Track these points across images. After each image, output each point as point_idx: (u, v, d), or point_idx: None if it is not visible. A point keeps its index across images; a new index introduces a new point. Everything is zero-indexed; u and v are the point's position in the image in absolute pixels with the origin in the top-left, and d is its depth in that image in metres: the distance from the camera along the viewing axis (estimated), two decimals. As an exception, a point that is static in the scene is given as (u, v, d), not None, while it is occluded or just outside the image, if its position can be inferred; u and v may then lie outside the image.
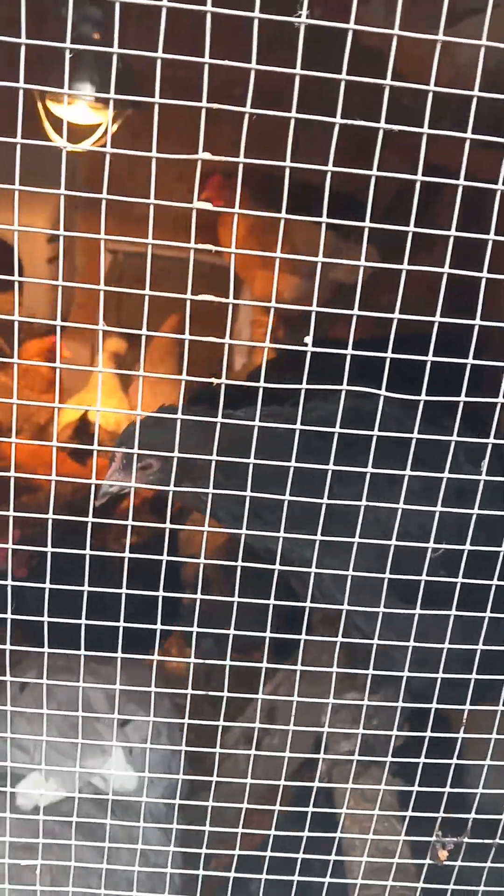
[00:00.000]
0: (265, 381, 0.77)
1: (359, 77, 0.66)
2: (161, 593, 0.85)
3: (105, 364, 4.09)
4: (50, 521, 0.77)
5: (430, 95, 0.65)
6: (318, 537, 0.88)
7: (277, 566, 0.88)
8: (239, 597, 0.86)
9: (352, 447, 0.83)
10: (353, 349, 0.74)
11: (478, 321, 0.73)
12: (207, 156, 0.66)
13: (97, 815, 1.42)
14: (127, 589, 0.84)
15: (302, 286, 3.35)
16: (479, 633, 0.91)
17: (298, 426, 0.77)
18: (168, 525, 0.85)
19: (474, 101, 0.65)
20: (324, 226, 0.69)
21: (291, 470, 0.79)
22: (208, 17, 0.62)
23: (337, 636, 0.93)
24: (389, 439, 0.82)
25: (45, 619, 0.83)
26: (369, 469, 0.81)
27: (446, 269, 0.70)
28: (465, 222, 0.75)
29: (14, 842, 0.99)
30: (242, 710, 2.31)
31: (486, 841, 0.90)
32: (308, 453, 0.83)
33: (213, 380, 0.73)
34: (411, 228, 0.70)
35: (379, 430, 0.79)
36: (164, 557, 0.82)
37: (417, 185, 0.67)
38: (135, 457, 1.28)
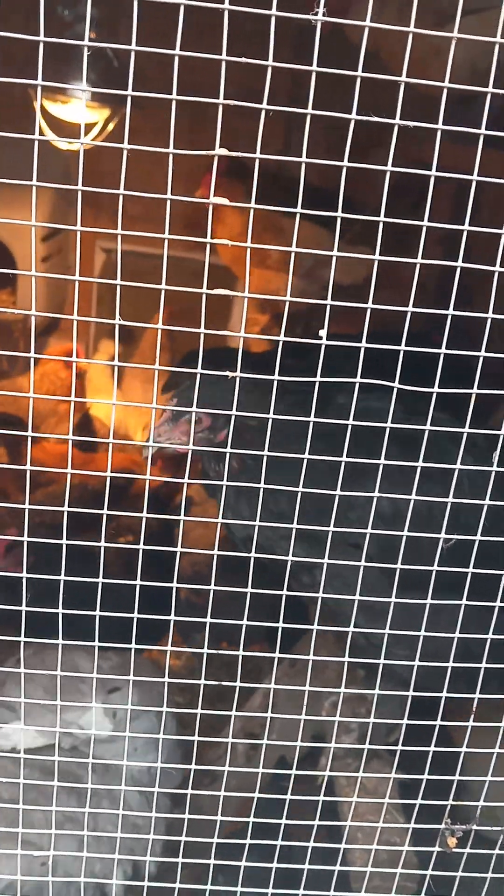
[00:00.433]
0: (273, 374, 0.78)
1: (375, 74, 0.67)
2: (164, 584, 0.86)
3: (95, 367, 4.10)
4: (66, 514, 0.78)
5: (444, 91, 0.66)
6: (302, 529, 0.89)
7: (253, 555, 0.89)
8: (236, 591, 0.87)
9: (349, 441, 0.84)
10: (356, 343, 0.75)
11: (490, 314, 0.74)
12: (224, 151, 0.66)
13: (77, 771, 1.46)
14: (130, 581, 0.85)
15: (299, 285, 3.36)
16: (477, 622, 0.93)
17: (312, 418, 0.78)
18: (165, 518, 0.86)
19: (488, 97, 0.66)
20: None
21: (305, 462, 0.80)
22: (226, 14, 0.63)
23: (333, 633, 0.94)
24: (386, 434, 0.83)
25: (60, 610, 0.84)
26: (380, 462, 0.82)
27: (459, 263, 0.71)
28: (458, 218, 0.76)
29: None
30: (241, 705, 2.33)
31: (495, 828, 0.91)
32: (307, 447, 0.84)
33: (228, 373, 0.73)
34: (423, 223, 0.71)
35: (378, 424, 0.81)
36: (143, 548, 0.83)
37: (431, 181, 0.67)
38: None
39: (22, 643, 0.84)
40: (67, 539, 0.81)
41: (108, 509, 0.82)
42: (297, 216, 0.68)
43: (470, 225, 0.76)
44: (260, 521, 0.99)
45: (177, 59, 0.65)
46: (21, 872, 0.99)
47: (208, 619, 0.83)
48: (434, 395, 0.74)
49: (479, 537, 0.84)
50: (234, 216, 3.23)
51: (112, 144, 0.69)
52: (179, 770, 1.55)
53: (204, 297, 0.71)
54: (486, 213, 0.83)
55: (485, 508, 0.83)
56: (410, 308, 0.72)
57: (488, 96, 0.66)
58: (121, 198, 0.68)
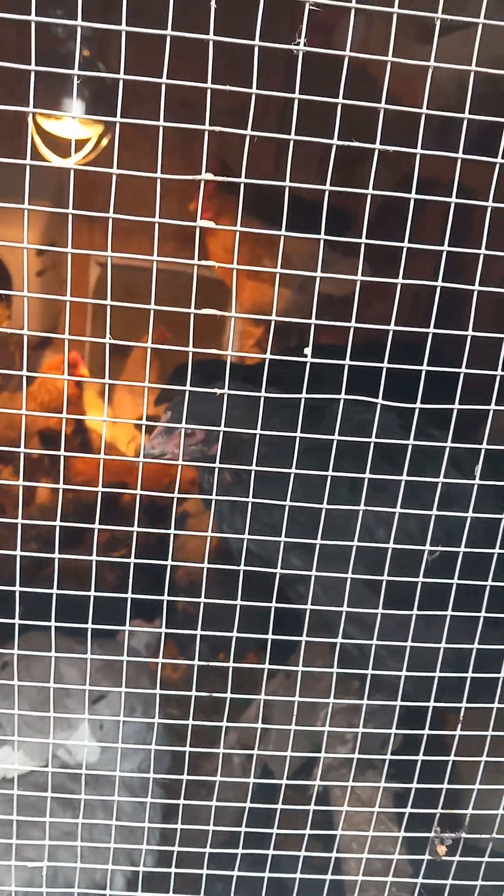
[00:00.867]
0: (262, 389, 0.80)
1: (352, 101, 0.70)
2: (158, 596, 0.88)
3: (90, 376, 4.14)
4: (58, 528, 0.80)
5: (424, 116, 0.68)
6: (293, 541, 0.90)
7: (243, 567, 0.90)
8: (228, 601, 0.89)
9: (339, 456, 0.85)
10: (342, 358, 0.77)
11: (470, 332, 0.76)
12: (210, 176, 0.68)
13: (69, 784, 1.46)
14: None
15: (292, 298, 3.39)
16: (468, 633, 0.94)
17: (298, 433, 0.79)
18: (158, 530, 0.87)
19: (465, 122, 0.68)
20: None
21: (292, 477, 0.82)
22: (210, 44, 0.65)
23: (329, 644, 0.95)
24: (374, 449, 0.85)
25: (53, 623, 0.85)
26: (365, 475, 0.83)
27: (439, 283, 0.73)
28: (451, 235, 0.78)
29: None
30: (237, 717, 2.33)
31: (483, 836, 0.93)
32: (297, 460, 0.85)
33: (217, 390, 0.75)
34: (404, 244, 0.73)
35: (366, 438, 0.82)
36: (132, 560, 0.84)
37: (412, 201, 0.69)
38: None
39: (15, 656, 0.85)
40: (62, 553, 0.83)
41: (105, 520, 0.83)
42: (282, 238, 0.70)
43: (466, 239, 0.78)
44: (255, 533, 1.00)
45: (164, 87, 0.67)
46: (17, 884, 1.00)
47: (199, 632, 0.85)
48: (416, 411, 0.76)
49: (463, 549, 0.85)
50: (226, 231, 3.26)
51: (100, 169, 0.71)
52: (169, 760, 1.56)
53: (192, 316, 0.73)
54: (481, 227, 0.85)
55: (468, 520, 0.85)
56: (392, 326, 0.74)
57: (465, 121, 0.68)
58: (110, 221, 0.70)
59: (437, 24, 0.66)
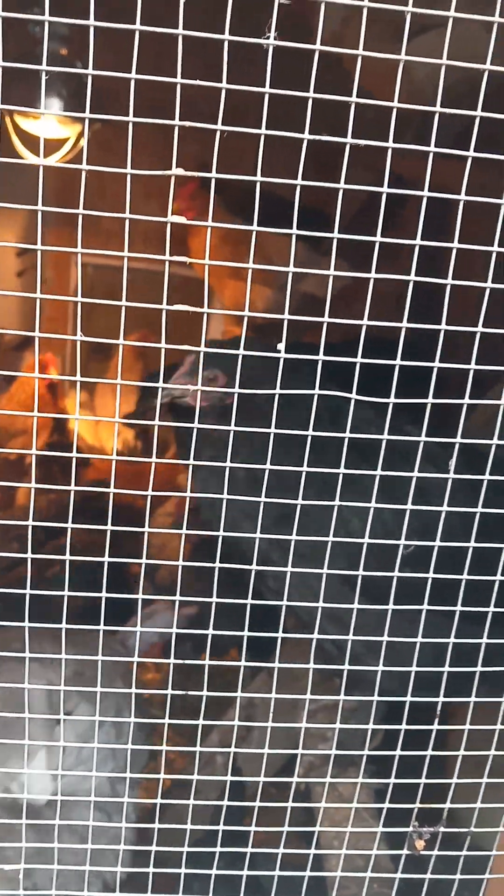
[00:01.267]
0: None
1: (326, 95, 0.70)
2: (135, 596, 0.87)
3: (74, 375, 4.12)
4: (30, 528, 0.79)
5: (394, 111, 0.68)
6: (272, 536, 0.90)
7: (218, 565, 0.90)
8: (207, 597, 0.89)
9: (313, 450, 0.85)
10: (324, 355, 0.77)
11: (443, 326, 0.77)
12: (181, 171, 0.68)
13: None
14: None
15: (273, 297, 3.39)
16: (446, 628, 0.94)
17: (272, 430, 0.79)
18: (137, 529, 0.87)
19: (436, 116, 0.68)
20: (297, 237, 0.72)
21: (266, 472, 0.81)
22: (179, 39, 0.65)
23: (307, 643, 0.95)
24: (350, 443, 0.85)
25: (26, 624, 0.85)
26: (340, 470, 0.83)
27: (412, 277, 0.73)
28: (430, 231, 0.79)
29: None
30: (220, 716, 2.33)
31: (461, 830, 0.93)
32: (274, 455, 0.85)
33: (190, 386, 0.75)
34: (378, 238, 0.73)
35: (343, 433, 0.82)
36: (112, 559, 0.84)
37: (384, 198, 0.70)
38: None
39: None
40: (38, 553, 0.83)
41: (84, 518, 0.83)
42: (254, 233, 0.70)
43: (445, 235, 0.78)
44: (233, 520, 0.99)
45: (133, 82, 0.67)
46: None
47: (174, 630, 0.84)
48: (390, 405, 0.76)
49: (438, 543, 0.85)
50: (212, 228, 3.25)
51: (71, 166, 0.71)
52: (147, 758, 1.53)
53: (164, 312, 0.72)
54: (461, 223, 0.85)
55: (442, 515, 0.85)
56: (365, 321, 0.74)
57: (436, 115, 0.68)
58: (80, 217, 0.70)
59: (408, 17, 0.66)
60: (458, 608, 0.88)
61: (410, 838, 0.93)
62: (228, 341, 1.41)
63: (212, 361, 1.41)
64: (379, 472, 0.81)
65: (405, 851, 0.94)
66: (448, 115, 0.75)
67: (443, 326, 0.76)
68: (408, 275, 0.79)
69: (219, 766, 2.11)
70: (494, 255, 0.76)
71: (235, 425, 0.86)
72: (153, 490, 0.87)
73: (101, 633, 0.84)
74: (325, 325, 0.73)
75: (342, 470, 0.82)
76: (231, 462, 0.83)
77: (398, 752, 0.92)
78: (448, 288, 0.75)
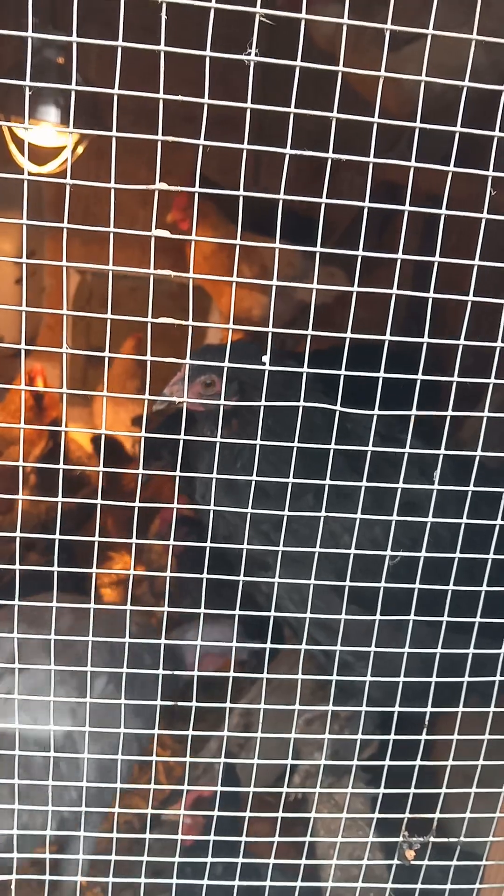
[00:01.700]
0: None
1: (309, 111, 0.70)
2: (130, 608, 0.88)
3: (70, 386, 4.13)
4: (18, 540, 0.80)
5: (375, 126, 0.68)
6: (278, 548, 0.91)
7: (205, 576, 0.91)
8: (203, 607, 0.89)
9: (313, 458, 0.86)
10: (312, 366, 0.78)
11: (426, 339, 0.77)
12: (164, 186, 0.69)
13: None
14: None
15: (269, 302, 3.40)
16: (434, 639, 0.94)
17: (258, 442, 0.79)
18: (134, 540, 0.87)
19: (416, 131, 0.69)
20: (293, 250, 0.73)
21: (252, 485, 0.82)
22: (162, 55, 0.66)
23: (308, 653, 0.95)
24: (343, 454, 0.85)
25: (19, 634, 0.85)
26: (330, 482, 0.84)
27: (394, 291, 0.73)
28: (424, 239, 0.79)
29: None
30: (219, 725, 2.33)
31: (452, 840, 0.93)
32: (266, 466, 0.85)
33: (175, 398, 0.75)
34: (361, 253, 0.74)
35: (340, 444, 0.83)
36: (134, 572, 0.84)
37: (366, 212, 0.70)
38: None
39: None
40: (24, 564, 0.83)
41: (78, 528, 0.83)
42: (237, 247, 0.70)
43: (437, 245, 0.78)
44: (228, 531, 0.99)
45: (115, 97, 0.67)
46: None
47: (162, 641, 0.85)
48: (375, 417, 0.76)
49: (424, 553, 0.86)
50: (207, 236, 3.27)
51: (58, 180, 0.71)
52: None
53: (149, 325, 0.73)
54: (454, 236, 0.85)
55: (428, 525, 0.85)
56: (349, 334, 0.74)
57: (416, 131, 0.68)
58: (64, 231, 0.70)
59: (387, 35, 0.66)
60: (445, 618, 0.88)
61: (401, 848, 0.93)
62: (223, 347, 1.42)
63: (209, 367, 1.41)
64: (364, 482, 0.82)
65: (396, 861, 0.94)
66: (442, 121, 0.75)
67: (426, 339, 0.76)
68: (405, 281, 0.79)
69: (216, 775, 2.11)
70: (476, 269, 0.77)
71: (234, 431, 0.88)
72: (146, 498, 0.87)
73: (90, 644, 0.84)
74: (308, 338, 0.73)
75: (327, 481, 0.82)
76: (233, 464, 0.83)
77: (387, 763, 0.92)
78: (430, 301, 0.75)
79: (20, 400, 3.78)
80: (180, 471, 0.82)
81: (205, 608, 0.86)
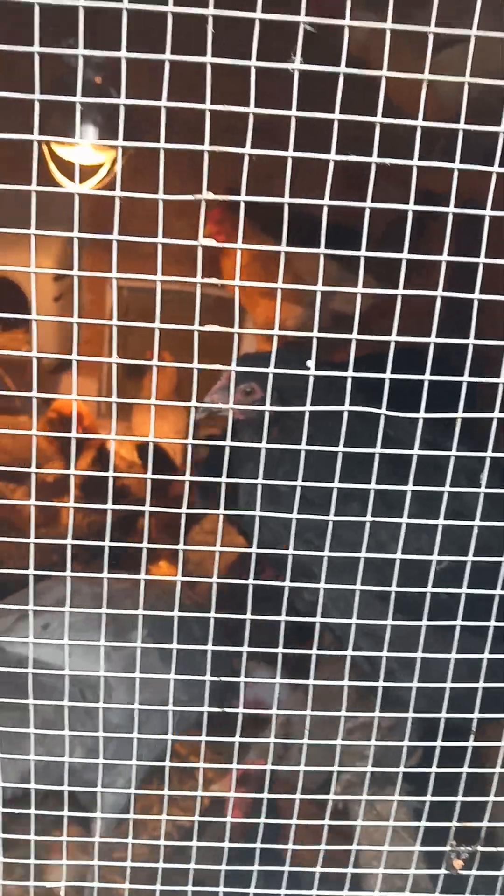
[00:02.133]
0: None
1: (352, 116, 0.71)
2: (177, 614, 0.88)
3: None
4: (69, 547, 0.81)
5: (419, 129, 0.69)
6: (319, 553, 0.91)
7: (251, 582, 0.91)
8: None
9: (356, 464, 0.86)
10: (354, 371, 0.78)
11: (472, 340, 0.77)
12: (210, 195, 0.70)
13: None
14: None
15: (304, 314, 3.40)
16: (480, 646, 0.94)
17: (303, 447, 0.80)
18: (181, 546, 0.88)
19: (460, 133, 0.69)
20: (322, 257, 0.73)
21: (298, 490, 0.82)
22: (208, 67, 0.67)
23: (344, 661, 0.95)
24: (387, 462, 0.85)
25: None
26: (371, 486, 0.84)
27: (439, 293, 0.73)
28: (459, 246, 0.79)
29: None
30: (258, 732, 2.32)
31: (500, 849, 0.92)
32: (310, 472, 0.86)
33: (221, 405, 0.76)
34: (405, 255, 0.74)
35: (382, 448, 0.83)
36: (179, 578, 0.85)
37: (410, 215, 0.70)
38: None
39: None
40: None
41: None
42: (282, 253, 0.71)
43: (476, 250, 0.79)
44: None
45: (163, 109, 0.68)
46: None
47: (209, 647, 0.85)
48: (420, 422, 0.76)
49: (470, 558, 0.85)
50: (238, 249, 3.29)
51: (105, 192, 0.73)
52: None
53: (196, 333, 0.74)
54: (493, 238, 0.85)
55: (475, 530, 0.85)
56: (394, 337, 0.74)
57: (460, 132, 0.69)
58: (114, 243, 0.72)
59: (430, 38, 0.67)
60: (492, 623, 0.87)
61: (448, 858, 0.92)
62: (262, 355, 1.43)
63: (249, 375, 1.42)
64: (410, 486, 0.82)
65: (443, 871, 0.93)
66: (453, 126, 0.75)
67: (471, 341, 0.76)
68: (438, 288, 0.79)
69: (254, 783, 2.10)
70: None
71: (275, 438, 0.87)
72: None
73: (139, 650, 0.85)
74: (353, 342, 0.74)
75: (373, 485, 0.82)
76: (274, 473, 0.84)
77: (434, 770, 0.91)
78: (475, 302, 0.75)
79: (59, 414, 3.83)
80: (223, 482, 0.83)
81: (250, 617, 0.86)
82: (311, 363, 0.75)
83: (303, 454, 0.79)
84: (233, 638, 0.90)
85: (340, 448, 0.78)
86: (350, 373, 0.75)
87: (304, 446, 0.79)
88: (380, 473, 0.87)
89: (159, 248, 0.72)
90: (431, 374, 0.77)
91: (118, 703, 1.13)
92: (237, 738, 0.87)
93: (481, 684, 0.89)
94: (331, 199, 0.72)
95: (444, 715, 0.91)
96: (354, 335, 0.73)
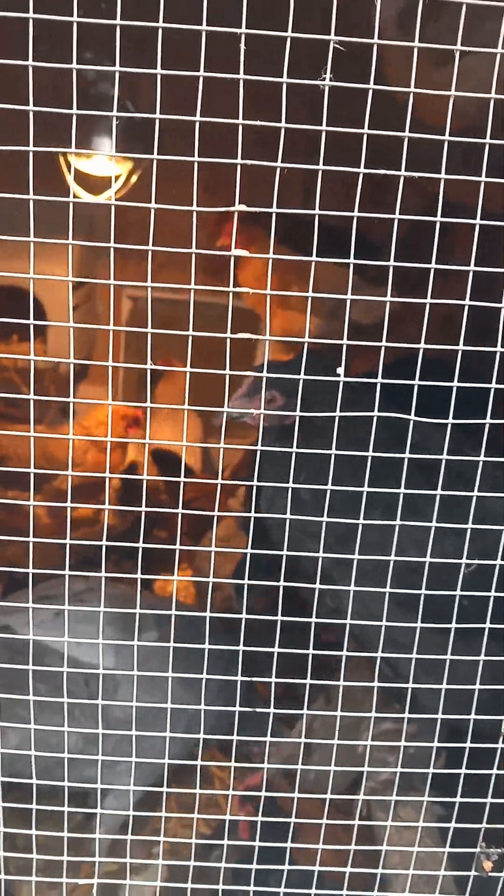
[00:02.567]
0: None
1: (377, 131, 0.73)
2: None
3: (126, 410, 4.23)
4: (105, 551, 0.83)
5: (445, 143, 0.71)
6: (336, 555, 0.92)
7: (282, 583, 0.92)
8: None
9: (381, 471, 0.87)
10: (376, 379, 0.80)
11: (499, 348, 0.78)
12: (243, 207, 0.72)
13: None
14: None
15: (322, 326, 3.42)
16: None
17: (333, 451, 0.82)
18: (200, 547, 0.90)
19: (486, 147, 0.71)
20: (351, 267, 0.75)
21: (328, 493, 0.84)
22: (241, 83, 0.69)
23: (367, 673, 0.96)
24: (413, 470, 0.87)
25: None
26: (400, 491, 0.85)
27: (467, 302, 0.75)
28: (477, 255, 0.81)
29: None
30: (283, 733, 2.33)
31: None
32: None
33: (253, 410, 0.78)
34: (432, 265, 0.76)
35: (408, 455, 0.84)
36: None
37: (437, 226, 0.72)
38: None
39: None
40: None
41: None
42: (313, 263, 0.73)
43: (495, 256, 0.80)
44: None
45: (198, 124, 0.70)
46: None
47: (241, 647, 0.87)
48: (449, 426, 0.78)
49: (499, 562, 0.86)
50: (255, 260, 3.32)
51: (139, 204, 0.75)
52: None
53: (228, 340, 0.76)
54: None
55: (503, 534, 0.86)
56: (422, 345, 0.76)
57: (486, 146, 0.70)
58: (150, 253, 0.74)
59: (457, 55, 0.69)
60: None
61: (478, 859, 0.93)
62: (282, 364, 1.45)
63: (269, 383, 1.44)
64: (439, 490, 0.83)
65: (473, 873, 0.94)
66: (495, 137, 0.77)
67: (498, 349, 0.78)
68: (457, 297, 0.81)
69: (276, 782, 2.11)
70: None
71: (297, 445, 0.89)
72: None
73: (172, 650, 0.87)
74: (382, 349, 0.75)
75: (402, 490, 0.84)
76: (299, 481, 0.86)
77: (463, 771, 0.93)
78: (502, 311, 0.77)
79: (82, 426, 3.86)
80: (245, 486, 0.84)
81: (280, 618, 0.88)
82: (340, 370, 0.77)
83: (332, 458, 0.81)
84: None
85: (369, 453, 0.80)
86: (379, 379, 0.77)
87: (333, 451, 0.81)
88: (398, 481, 0.89)
89: (193, 258, 0.74)
90: (459, 381, 0.79)
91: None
92: (268, 738, 0.89)
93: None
94: (340, 210, 0.74)
95: (473, 716, 0.92)
96: (384, 342, 0.75)
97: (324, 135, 0.70)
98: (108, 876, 1.26)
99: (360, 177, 0.71)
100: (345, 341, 0.76)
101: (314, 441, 0.92)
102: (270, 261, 0.75)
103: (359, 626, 1.19)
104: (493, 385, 0.78)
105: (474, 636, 0.95)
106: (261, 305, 4.07)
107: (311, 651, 0.88)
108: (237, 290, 0.74)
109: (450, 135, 0.76)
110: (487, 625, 0.87)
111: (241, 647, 0.87)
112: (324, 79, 0.68)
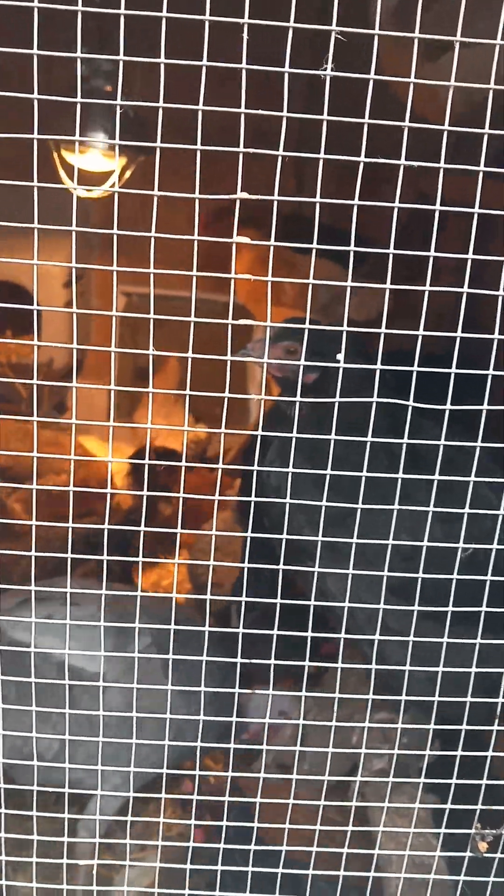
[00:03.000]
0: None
1: (376, 120, 0.74)
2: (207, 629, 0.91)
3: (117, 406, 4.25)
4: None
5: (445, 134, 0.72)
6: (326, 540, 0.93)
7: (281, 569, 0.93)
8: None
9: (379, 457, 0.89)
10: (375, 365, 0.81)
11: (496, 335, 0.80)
12: (245, 195, 0.73)
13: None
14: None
15: (315, 320, 3.45)
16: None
17: (333, 437, 0.83)
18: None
19: (485, 138, 0.72)
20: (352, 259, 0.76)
21: (327, 478, 0.85)
22: (243, 73, 0.70)
23: (361, 664, 0.97)
24: (410, 458, 0.88)
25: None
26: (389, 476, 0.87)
27: (465, 290, 0.76)
28: (465, 247, 0.82)
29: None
30: (270, 738, 2.34)
31: (523, 830, 0.94)
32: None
33: (255, 396, 0.79)
34: (430, 253, 0.77)
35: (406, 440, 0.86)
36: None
37: (436, 216, 0.73)
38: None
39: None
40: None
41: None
42: (314, 251, 0.74)
43: (488, 252, 0.81)
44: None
45: (200, 113, 0.71)
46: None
47: (238, 660, 0.88)
48: (447, 412, 0.79)
49: (495, 546, 0.88)
50: (248, 254, 3.33)
51: (142, 192, 0.76)
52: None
53: (229, 327, 0.77)
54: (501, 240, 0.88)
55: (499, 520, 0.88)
56: (421, 332, 0.77)
57: (485, 137, 0.72)
58: (152, 240, 0.75)
59: (457, 46, 0.70)
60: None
61: (473, 840, 0.95)
62: (301, 320, 1.38)
63: (293, 335, 1.37)
64: (437, 475, 0.85)
65: (468, 854, 0.95)
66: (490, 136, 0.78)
67: (496, 336, 0.79)
68: (444, 300, 0.82)
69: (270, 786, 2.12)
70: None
71: (308, 409, 0.88)
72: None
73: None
74: (381, 336, 0.77)
75: (400, 475, 0.85)
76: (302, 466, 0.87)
77: (459, 753, 0.94)
78: (500, 299, 0.78)
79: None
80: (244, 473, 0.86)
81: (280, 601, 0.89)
82: (340, 356, 0.78)
83: (332, 444, 0.82)
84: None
85: (368, 438, 0.81)
86: (379, 365, 0.78)
87: (333, 437, 0.82)
88: (394, 467, 0.90)
89: (195, 244, 0.75)
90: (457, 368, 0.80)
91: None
92: (264, 747, 0.90)
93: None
94: (337, 205, 0.75)
95: (469, 699, 0.94)
96: (383, 329, 0.76)
97: (325, 125, 0.71)
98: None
99: (361, 167, 0.72)
100: (345, 328, 0.77)
101: (321, 425, 0.93)
102: (272, 248, 0.76)
103: (336, 608, 1.20)
104: (490, 372, 0.79)
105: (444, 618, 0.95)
106: (251, 303, 4.09)
107: (308, 633, 0.90)
108: (239, 276, 0.76)
109: (435, 128, 0.77)
110: (483, 608, 0.89)
111: (238, 654, 0.88)
112: (326, 69, 0.69)
